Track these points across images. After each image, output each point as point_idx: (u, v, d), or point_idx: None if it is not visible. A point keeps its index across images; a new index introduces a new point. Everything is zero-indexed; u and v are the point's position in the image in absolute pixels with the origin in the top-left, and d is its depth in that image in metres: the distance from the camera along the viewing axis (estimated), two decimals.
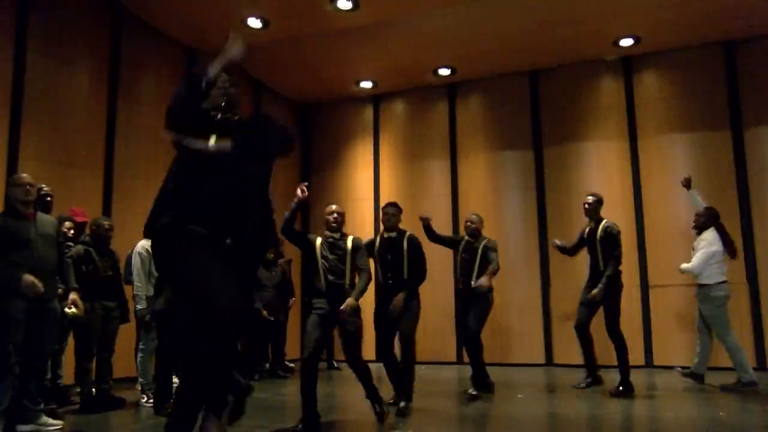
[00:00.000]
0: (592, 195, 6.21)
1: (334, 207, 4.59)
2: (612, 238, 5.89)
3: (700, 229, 6.28)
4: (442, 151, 9.79)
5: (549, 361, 8.68)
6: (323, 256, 4.44)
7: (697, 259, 6.11)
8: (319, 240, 4.50)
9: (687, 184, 6.48)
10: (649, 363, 8.13)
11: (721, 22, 7.86)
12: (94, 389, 5.29)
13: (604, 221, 6.03)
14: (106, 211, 6.92)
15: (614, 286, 5.85)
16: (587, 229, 6.16)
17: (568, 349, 8.25)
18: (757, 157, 8.03)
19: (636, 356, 7.89)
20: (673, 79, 8.64)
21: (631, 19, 7.83)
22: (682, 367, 6.81)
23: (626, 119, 8.78)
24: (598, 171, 8.78)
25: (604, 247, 5.91)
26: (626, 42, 8.38)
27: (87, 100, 6.93)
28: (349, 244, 4.51)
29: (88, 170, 6.82)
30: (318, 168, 10.57)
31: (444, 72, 9.38)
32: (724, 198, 7.91)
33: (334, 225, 4.53)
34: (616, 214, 8.43)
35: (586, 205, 6.16)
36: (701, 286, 6.14)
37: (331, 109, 10.64)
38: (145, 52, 7.70)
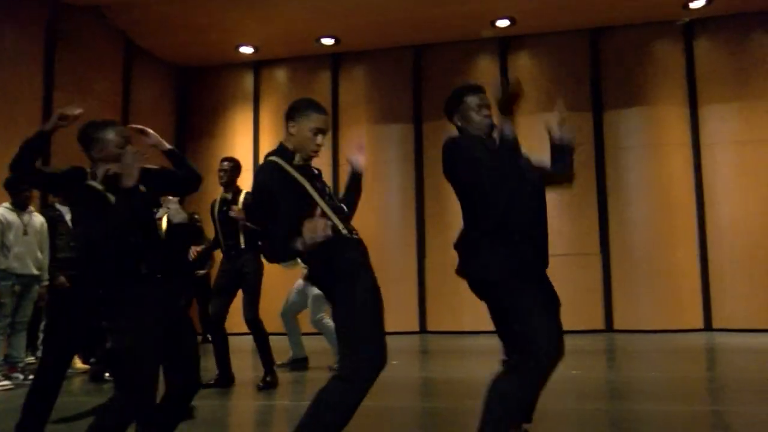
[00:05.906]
0: (228, 160, 5.08)
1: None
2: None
3: None
4: None
5: (423, 329, 9.03)
6: None
7: None
8: None
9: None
10: None
11: (588, 10, 8.39)
12: None
13: (245, 191, 4.92)
14: None
15: (261, 264, 4.86)
16: (219, 201, 5.01)
17: (441, 318, 8.67)
18: (613, 136, 8.76)
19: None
20: (543, 61, 9.13)
21: (508, 1, 8.15)
22: None
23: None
24: None
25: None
26: (503, 23, 8.72)
27: None
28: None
29: None
30: (195, 135, 10.12)
31: (327, 42, 9.28)
32: (584, 174, 8.58)
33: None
34: None
35: (222, 173, 4.98)
36: None
37: (209, 74, 10.20)
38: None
